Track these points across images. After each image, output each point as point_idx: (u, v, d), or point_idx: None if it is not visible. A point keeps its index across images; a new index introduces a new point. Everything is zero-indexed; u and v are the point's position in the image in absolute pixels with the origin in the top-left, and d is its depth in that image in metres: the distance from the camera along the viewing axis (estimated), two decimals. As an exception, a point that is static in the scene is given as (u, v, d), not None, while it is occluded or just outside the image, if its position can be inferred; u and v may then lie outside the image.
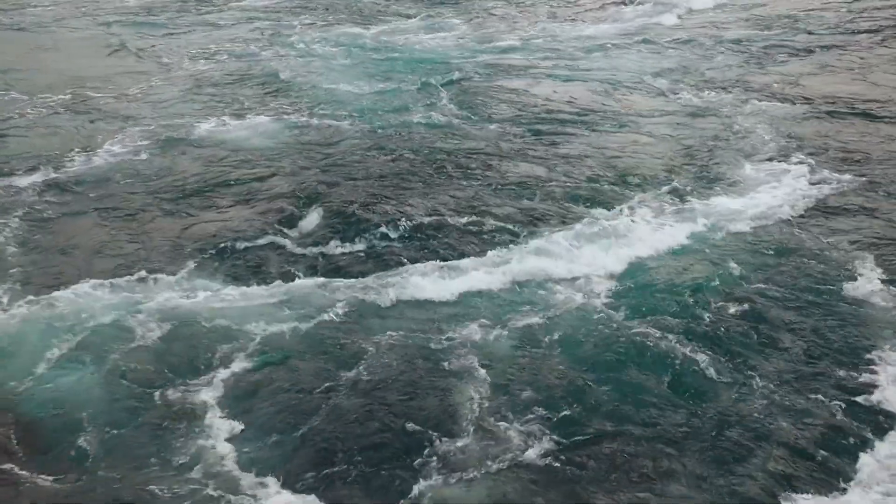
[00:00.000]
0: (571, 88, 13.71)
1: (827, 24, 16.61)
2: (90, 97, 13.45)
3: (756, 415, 6.25)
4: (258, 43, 16.81)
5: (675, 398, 6.44)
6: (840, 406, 6.30)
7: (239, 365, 6.78)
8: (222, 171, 10.53)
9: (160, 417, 6.22)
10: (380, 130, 11.85)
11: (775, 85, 13.30)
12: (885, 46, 15.12)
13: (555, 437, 6.02)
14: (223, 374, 6.68)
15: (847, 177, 9.87)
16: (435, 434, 6.05)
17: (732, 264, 8.16)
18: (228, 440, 5.98)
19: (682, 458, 5.86)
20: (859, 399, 6.36)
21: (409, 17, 18.94)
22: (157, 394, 6.46)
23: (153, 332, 7.14)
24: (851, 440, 5.98)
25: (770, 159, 10.47)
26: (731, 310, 7.48)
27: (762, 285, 7.84)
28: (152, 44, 16.86)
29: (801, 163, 10.26)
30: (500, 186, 9.97)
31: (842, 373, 6.67)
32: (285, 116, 12.50)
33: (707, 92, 13.17)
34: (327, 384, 6.60)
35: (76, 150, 11.09)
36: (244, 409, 6.32)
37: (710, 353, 6.91)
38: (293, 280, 7.97)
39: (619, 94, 13.39)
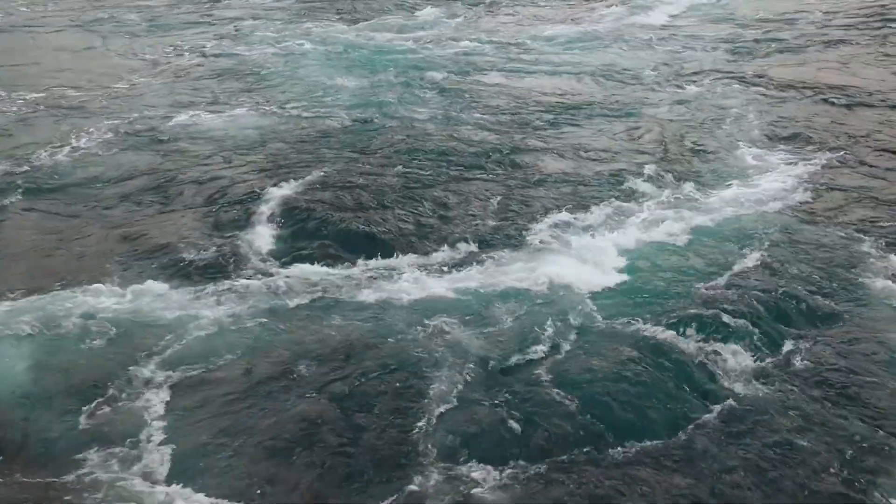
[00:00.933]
0: (558, 83, 13.68)
1: (802, 26, 16.60)
2: (67, 94, 13.35)
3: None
4: (245, 40, 16.77)
5: (683, 400, 6.24)
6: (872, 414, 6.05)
7: (181, 370, 6.51)
8: (187, 166, 10.33)
9: (97, 424, 5.98)
10: (357, 126, 11.70)
11: (762, 76, 13.46)
12: (864, 41, 15.27)
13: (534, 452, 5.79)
14: (167, 379, 6.42)
15: (835, 156, 10.19)
16: (398, 450, 5.77)
17: (737, 251, 8.08)
18: (166, 447, 5.77)
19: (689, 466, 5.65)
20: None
21: (407, 14, 18.87)
22: (95, 401, 6.20)
23: (94, 337, 6.86)
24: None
25: (764, 146, 10.62)
26: (739, 301, 7.27)
27: (771, 273, 7.71)
28: (136, 42, 16.82)
29: (792, 148, 10.52)
30: (483, 180, 9.81)
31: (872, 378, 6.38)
32: (263, 112, 12.36)
33: (697, 84, 13.22)
34: (275, 391, 6.36)
35: (44, 146, 10.92)
36: (184, 416, 6.09)
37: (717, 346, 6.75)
38: (249, 281, 7.70)
39: (609, 87, 13.32)
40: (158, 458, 5.64)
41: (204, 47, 16.25)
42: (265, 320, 7.12)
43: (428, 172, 10.02)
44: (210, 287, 7.57)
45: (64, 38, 17.31)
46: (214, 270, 7.94)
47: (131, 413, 6.05)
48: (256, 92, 13.36)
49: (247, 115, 12.21)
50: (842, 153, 10.29)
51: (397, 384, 6.35)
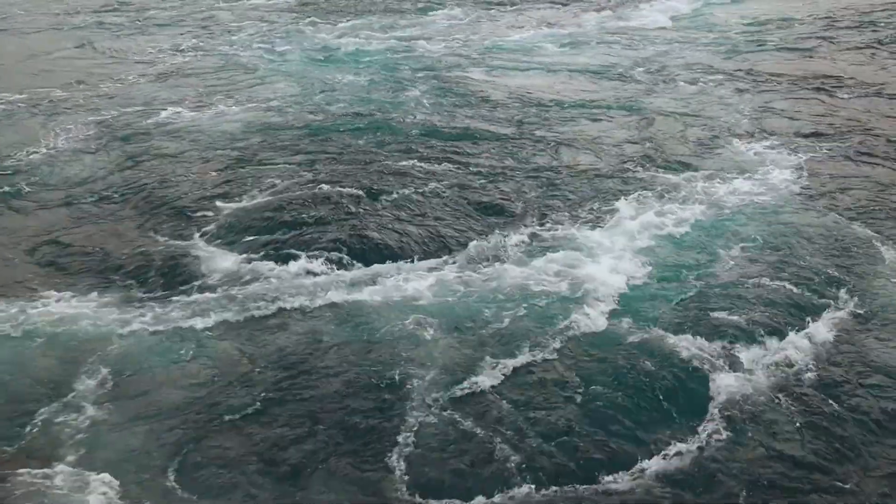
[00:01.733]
0: (551, 82, 13.54)
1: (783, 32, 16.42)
2: (51, 94, 13.21)
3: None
4: (231, 38, 16.63)
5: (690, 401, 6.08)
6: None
7: (118, 381, 6.28)
8: (156, 167, 10.16)
9: (30, 435, 5.78)
10: (338, 124, 11.50)
11: (751, 71, 13.54)
12: (846, 39, 15.22)
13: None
14: (103, 389, 6.17)
15: (827, 144, 10.41)
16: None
17: (743, 243, 8.07)
18: (100, 458, 5.58)
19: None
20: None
21: (400, 14, 18.70)
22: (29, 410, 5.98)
23: (27, 348, 6.60)
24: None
25: (760, 137, 10.74)
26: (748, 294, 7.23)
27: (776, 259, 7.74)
28: (122, 42, 16.65)
29: (787, 138, 10.68)
30: (472, 177, 9.65)
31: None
32: (248, 109, 12.22)
33: (690, 81, 13.18)
34: (222, 402, 6.15)
35: (22, 147, 10.79)
36: (122, 427, 5.86)
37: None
38: (202, 288, 7.44)
39: (604, 85, 13.20)
40: (93, 469, 5.43)
41: (191, 47, 16.10)
42: (216, 328, 6.90)
43: (408, 166, 9.86)
44: (158, 293, 7.35)
45: (47, 39, 17.14)
46: (162, 278, 7.66)
47: (66, 424, 5.82)
48: (242, 90, 13.21)
49: (229, 115, 12.05)
50: (834, 141, 10.50)
51: (364, 397, 6.14)
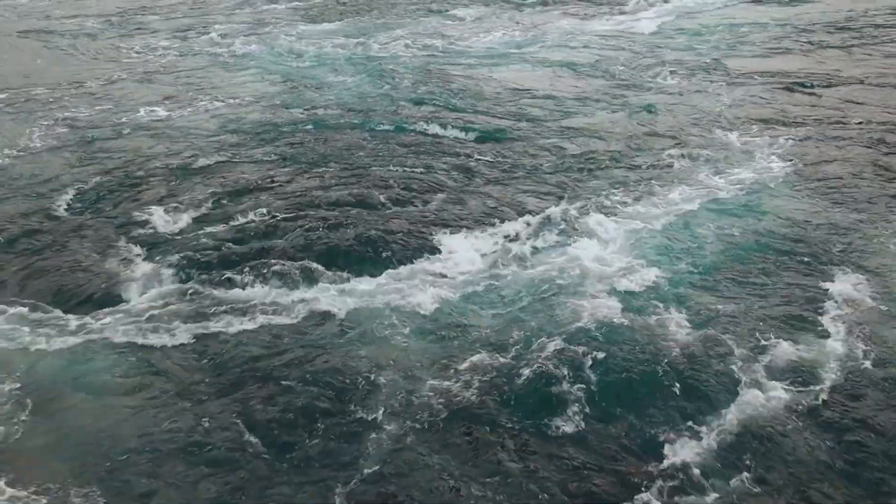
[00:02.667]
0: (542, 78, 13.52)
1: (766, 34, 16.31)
2: (31, 94, 13.12)
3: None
4: (214, 38, 16.57)
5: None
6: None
7: (39, 396, 5.99)
8: (116, 168, 9.97)
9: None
10: (310, 122, 11.42)
11: (732, 68, 13.67)
12: (824, 41, 15.21)
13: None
14: (23, 405, 5.88)
15: (808, 133, 10.67)
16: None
17: (741, 230, 8.13)
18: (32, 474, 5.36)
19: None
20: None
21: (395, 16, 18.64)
22: None
23: None
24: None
25: (746, 128, 10.91)
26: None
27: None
28: (106, 44, 16.60)
29: (772, 128, 10.87)
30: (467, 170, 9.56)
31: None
32: (221, 109, 12.11)
33: (680, 77, 13.28)
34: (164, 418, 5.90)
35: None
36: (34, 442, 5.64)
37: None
38: (149, 301, 7.10)
39: (595, 83, 13.18)
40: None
41: (173, 49, 16.04)
42: (141, 344, 6.57)
43: (391, 163, 9.75)
44: (89, 308, 6.99)
45: (28, 41, 17.07)
46: (94, 291, 7.28)
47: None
48: (219, 90, 13.12)
49: (204, 114, 11.92)
50: (813, 129, 10.76)
51: (322, 403, 5.93)
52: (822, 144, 10.31)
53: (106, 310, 6.96)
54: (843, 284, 7.16)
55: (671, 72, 13.51)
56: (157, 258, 7.76)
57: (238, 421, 5.72)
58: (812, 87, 12.56)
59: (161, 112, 11.97)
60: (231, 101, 12.45)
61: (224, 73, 14.02)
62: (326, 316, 6.85)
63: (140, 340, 6.58)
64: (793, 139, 10.45)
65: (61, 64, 15.02)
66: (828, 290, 7.09)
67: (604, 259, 7.61)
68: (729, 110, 11.61)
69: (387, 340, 6.51)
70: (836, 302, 6.92)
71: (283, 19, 18.06)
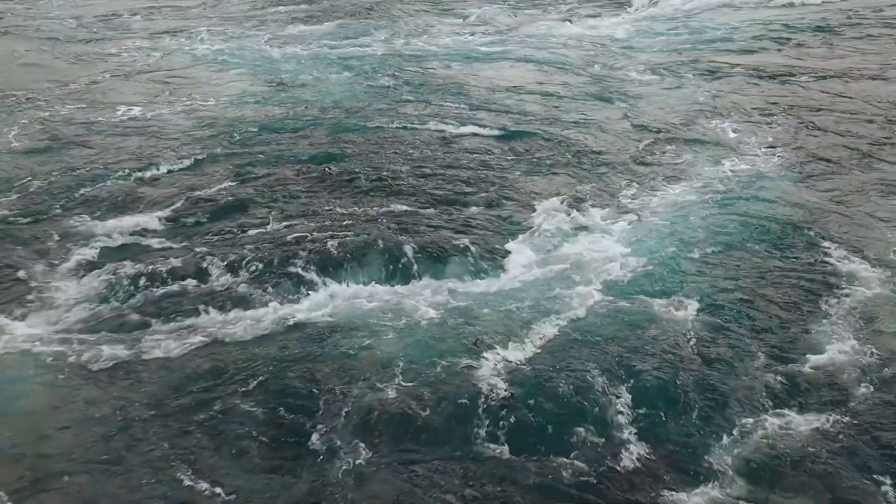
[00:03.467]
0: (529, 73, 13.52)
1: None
2: (9, 94, 12.93)
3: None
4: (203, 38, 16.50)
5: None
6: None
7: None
8: (83, 168, 9.68)
9: None
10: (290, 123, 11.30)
11: (718, 65, 13.83)
12: (806, 39, 15.39)
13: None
14: None
15: (796, 125, 10.82)
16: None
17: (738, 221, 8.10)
18: None
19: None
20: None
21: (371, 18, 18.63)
22: None
23: None
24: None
25: (735, 121, 11.02)
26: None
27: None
28: (92, 45, 16.48)
29: (761, 121, 11.04)
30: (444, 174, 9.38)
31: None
32: (200, 109, 11.93)
33: (662, 74, 13.39)
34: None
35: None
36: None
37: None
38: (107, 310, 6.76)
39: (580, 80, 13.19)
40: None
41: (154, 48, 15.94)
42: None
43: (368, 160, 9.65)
44: (32, 317, 6.62)
45: (7, 41, 16.93)
46: (33, 301, 6.86)
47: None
48: (192, 89, 13.00)
49: (177, 115, 11.75)
50: (799, 119, 10.94)
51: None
52: (809, 133, 10.49)
53: (33, 319, 6.58)
54: (850, 269, 7.14)
55: (658, 69, 13.61)
56: (105, 265, 7.34)
57: (169, 442, 5.37)
58: (795, 79, 12.75)
59: (137, 111, 11.75)
60: (211, 101, 12.28)
61: (208, 73, 13.89)
62: (299, 327, 6.54)
63: (68, 356, 6.17)
64: (781, 128, 10.64)
65: (43, 64, 14.84)
66: (835, 275, 7.07)
67: (603, 252, 7.51)
68: (715, 102, 11.78)
69: (375, 346, 6.28)
70: (843, 288, 6.89)
71: (276, 21, 17.96)
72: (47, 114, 11.84)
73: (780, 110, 11.38)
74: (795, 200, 8.52)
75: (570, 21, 17.35)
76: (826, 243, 7.60)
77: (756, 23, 16.66)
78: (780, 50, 14.69)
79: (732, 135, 10.49)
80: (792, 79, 12.81)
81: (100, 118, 11.59)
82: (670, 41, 15.61)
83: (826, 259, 7.35)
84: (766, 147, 10.04)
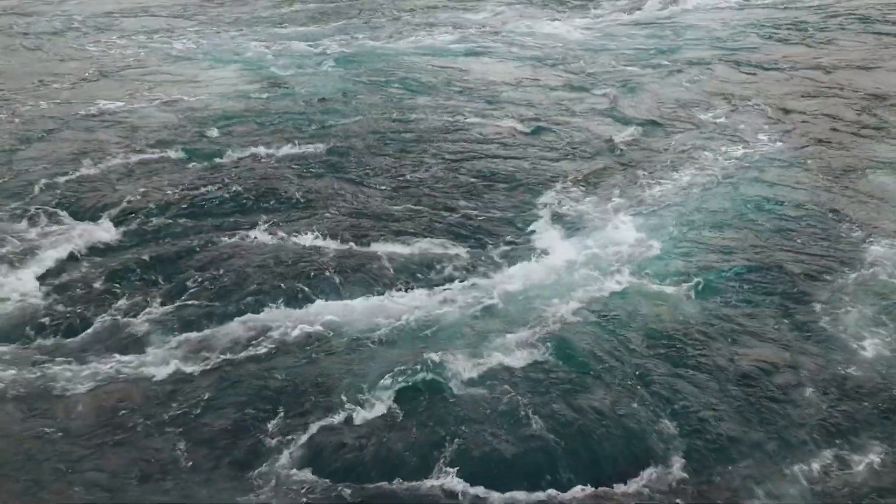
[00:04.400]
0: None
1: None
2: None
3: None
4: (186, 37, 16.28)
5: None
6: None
7: None
8: (55, 163, 9.40)
9: None
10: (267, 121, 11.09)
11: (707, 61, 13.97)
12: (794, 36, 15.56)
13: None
14: None
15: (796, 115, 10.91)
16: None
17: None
18: None
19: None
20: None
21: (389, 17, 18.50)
22: None
23: None
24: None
25: (726, 108, 11.21)
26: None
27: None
28: (81, 42, 16.14)
29: (767, 110, 11.14)
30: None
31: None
32: (178, 105, 11.67)
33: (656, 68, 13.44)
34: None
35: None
36: None
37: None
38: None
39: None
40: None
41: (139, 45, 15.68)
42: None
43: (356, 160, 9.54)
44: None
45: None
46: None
47: None
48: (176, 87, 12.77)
49: (162, 109, 11.49)
50: (793, 106, 11.13)
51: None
52: (804, 120, 10.69)
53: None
54: (867, 254, 7.22)
55: (652, 63, 13.71)
56: (71, 270, 7.10)
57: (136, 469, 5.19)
58: (784, 69, 12.97)
59: (116, 106, 11.45)
60: (195, 97, 12.02)
61: (194, 70, 13.65)
62: (281, 343, 6.31)
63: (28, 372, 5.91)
64: (777, 117, 10.82)
65: (28, 61, 14.48)
66: (851, 258, 7.16)
67: (612, 245, 7.45)
68: (709, 94, 11.90)
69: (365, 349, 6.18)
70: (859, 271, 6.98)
71: (267, 21, 17.76)
72: (28, 109, 11.51)
73: (771, 99, 11.55)
74: (800, 185, 8.68)
75: (560, 20, 17.41)
76: (832, 216, 7.85)
77: (747, 22, 16.87)
78: (766, 44, 14.87)
79: (728, 122, 10.60)
80: (785, 69, 12.98)
81: (81, 112, 11.25)
82: (668, 39, 15.72)
83: (838, 233, 7.53)
84: (765, 133, 10.20)
